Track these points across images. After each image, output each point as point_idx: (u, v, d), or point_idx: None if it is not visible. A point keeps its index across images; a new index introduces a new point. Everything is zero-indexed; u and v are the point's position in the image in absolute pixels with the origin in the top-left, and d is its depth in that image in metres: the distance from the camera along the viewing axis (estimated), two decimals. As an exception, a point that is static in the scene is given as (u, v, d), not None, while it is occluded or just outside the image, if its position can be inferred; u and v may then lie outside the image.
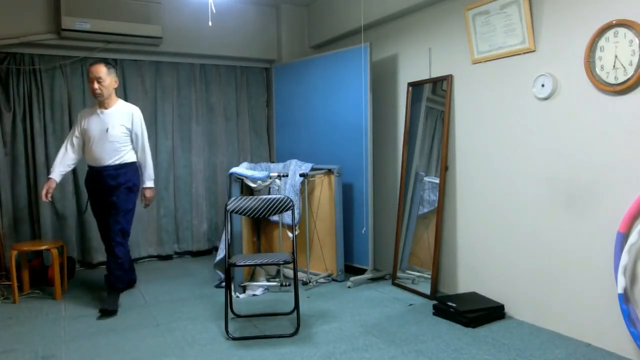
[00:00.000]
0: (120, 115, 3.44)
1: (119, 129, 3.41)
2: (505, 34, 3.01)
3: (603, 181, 2.56)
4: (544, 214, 2.88)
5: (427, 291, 3.52)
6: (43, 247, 3.72)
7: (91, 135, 3.40)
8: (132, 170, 3.50)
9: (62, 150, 3.50)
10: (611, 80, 2.48)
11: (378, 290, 3.74)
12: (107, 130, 3.38)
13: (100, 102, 3.43)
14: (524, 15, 2.87)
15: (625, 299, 2.39)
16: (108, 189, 3.41)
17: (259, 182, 3.86)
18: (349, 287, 3.79)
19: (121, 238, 3.44)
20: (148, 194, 3.64)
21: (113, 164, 3.40)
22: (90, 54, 4.41)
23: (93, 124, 3.41)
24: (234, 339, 2.84)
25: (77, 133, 3.49)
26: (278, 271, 4.13)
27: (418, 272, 3.72)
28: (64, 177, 3.64)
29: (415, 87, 3.79)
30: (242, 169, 3.91)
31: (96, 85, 3.32)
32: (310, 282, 3.84)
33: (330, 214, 4.00)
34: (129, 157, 3.48)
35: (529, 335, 2.80)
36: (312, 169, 4.00)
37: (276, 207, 3.19)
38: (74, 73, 4.45)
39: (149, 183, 3.62)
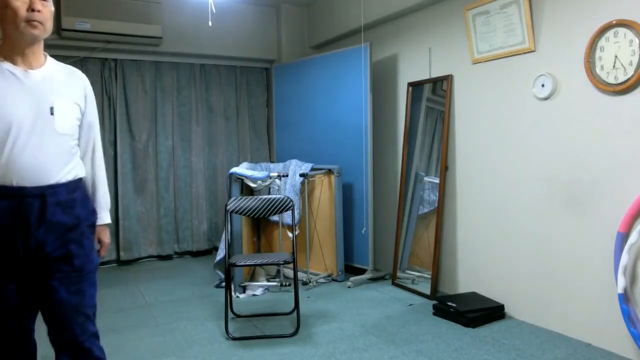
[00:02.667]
0: (66, 81, 1.73)
1: (72, 110, 1.70)
2: (505, 34, 3.01)
3: (603, 181, 2.56)
4: (543, 214, 2.88)
5: (427, 291, 3.51)
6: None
7: (13, 119, 1.55)
8: (87, 192, 1.82)
9: None
10: (611, 80, 2.48)
11: (378, 290, 3.74)
12: (51, 110, 1.62)
13: (22, 48, 1.66)
14: (524, 15, 2.87)
15: (625, 299, 2.39)
16: (57, 234, 1.62)
17: (259, 182, 3.86)
18: (349, 287, 3.79)
19: (93, 328, 1.80)
20: (105, 236, 1.90)
21: (65, 180, 1.65)
22: (90, 54, 4.41)
23: (16, 96, 1.58)
24: (234, 339, 2.84)
25: None
26: (278, 271, 4.13)
27: (418, 272, 3.72)
28: None
29: (415, 87, 3.79)
30: (242, 169, 3.91)
31: (39, 6, 1.59)
32: (310, 282, 3.84)
33: (330, 214, 4.00)
34: (82, 167, 1.78)
35: (529, 335, 2.80)
36: (312, 169, 4.00)
37: (276, 207, 3.19)
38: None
39: (106, 217, 1.90)
